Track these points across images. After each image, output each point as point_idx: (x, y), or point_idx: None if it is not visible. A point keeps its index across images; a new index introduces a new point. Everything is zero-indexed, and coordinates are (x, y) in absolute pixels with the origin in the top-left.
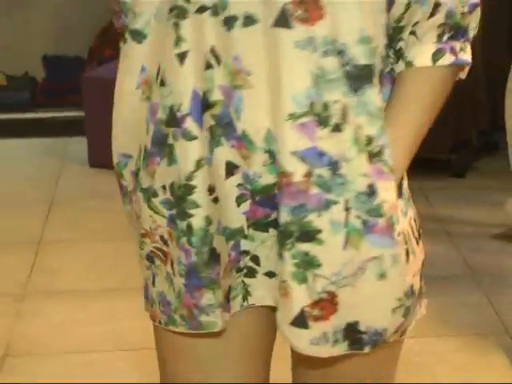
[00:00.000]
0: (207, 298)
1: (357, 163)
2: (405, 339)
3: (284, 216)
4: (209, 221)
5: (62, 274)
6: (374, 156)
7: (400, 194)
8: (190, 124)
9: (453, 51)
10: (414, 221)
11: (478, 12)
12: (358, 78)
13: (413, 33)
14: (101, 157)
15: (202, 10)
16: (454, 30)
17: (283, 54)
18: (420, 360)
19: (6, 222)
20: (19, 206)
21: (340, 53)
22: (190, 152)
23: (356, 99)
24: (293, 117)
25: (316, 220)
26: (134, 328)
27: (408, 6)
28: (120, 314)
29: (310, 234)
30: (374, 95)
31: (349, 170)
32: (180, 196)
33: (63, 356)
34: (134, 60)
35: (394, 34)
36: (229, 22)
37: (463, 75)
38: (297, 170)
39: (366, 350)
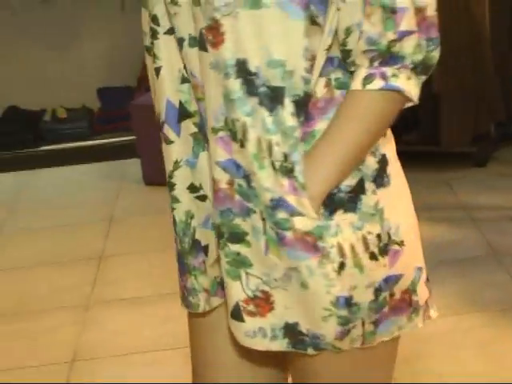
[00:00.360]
0: (190, 282)
1: (260, 178)
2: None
3: (215, 218)
4: (190, 215)
5: (122, 284)
6: (288, 172)
7: (353, 209)
8: (166, 130)
9: (383, 77)
10: (378, 237)
11: (412, 39)
12: (271, 98)
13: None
14: (154, 175)
15: (170, 31)
16: (382, 56)
17: (205, 74)
18: (449, 337)
19: (70, 240)
20: (82, 225)
21: (254, 75)
22: (169, 154)
23: (271, 119)
24: (214, 130)
25: (242, 224)
26: None
27: (348, 31)
28: (176, 316)
29: (238, 236)
30: (285, 115)
31: (256, 183)
32: (169, 192)
33: (125, 357)
34: (151, 71)
35: (344, 57)
36: (180, 43)
37: (411, 102)
38: (222, 178)
39: (310, 351)
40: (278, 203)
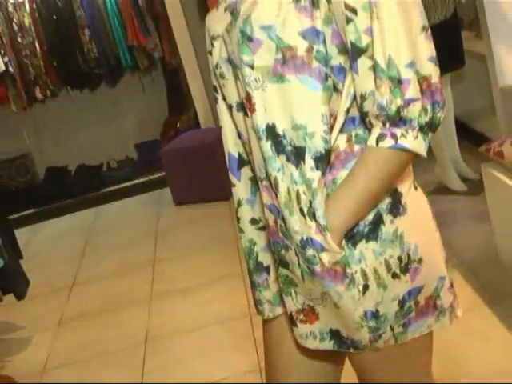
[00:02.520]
0: (257, 295)
1: (290, 222)
2: None
3: (270, 246)
4: (253, 242)
5: (173, 280)
6: (313, 216)
7: (375, 238)
8: (231, 176)
9: (393, 136)
10: (399, 259)
11: (417, 105)
12: (295, 155)
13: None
14: (180, 197)
15: (225, 98)
16: (392, 119)
17: (249, 134)
18: None
19: (130, 253)
20: (137, 241)
21: (281, 136)
22: (235, 195)
23: (298, 172)
24: (260, 179)
25: (285, 255)
26: (226, 307)
27: (363, 97)
28: (213, 298)
29: (285, 263)
30: (306, 169)
31: (288, 226)
32: (236, 223)
33: (184, 335)
34: None
35: (362, 117)
36: (230, 108)
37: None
38: (269, 217)
39: (352, 350)
40: (306, 243)
